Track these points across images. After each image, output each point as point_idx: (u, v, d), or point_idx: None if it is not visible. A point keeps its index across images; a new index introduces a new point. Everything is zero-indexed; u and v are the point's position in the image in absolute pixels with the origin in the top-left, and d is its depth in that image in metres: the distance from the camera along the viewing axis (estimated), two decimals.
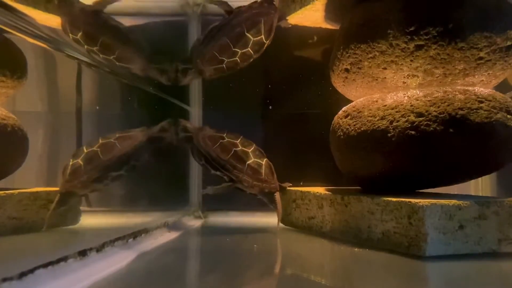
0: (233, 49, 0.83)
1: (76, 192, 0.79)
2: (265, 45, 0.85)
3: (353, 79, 0.78)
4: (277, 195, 0.84)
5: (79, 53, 0.80)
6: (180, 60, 0.85)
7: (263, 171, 0.84)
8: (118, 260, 0.59)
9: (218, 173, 0.84)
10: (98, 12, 0.81)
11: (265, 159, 0.85)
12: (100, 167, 0.78)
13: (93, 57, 0.82)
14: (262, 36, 0.84)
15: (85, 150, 0.79)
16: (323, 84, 0.92)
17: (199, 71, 0.86)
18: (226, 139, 0.85)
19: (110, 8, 0.82)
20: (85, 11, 0.80)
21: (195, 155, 0.86)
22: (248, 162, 0.83)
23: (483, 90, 0.70)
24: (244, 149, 0.85)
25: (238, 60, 0.85)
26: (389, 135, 0.69)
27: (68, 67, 1.06)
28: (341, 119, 0.79)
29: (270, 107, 1.11)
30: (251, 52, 0.85)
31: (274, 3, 0.85)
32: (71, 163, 0.79)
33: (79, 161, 0.78)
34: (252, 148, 0.86)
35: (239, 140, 0.86)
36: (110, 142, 0.80)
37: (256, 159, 0.84)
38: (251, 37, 0.83)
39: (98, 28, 0.81)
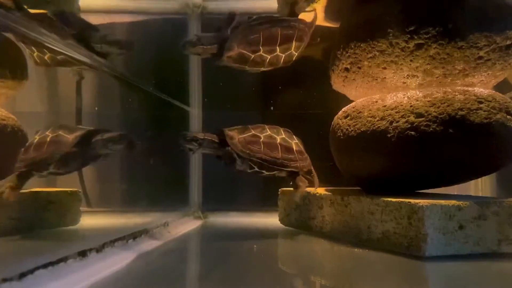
0: (276, 46, 0.78)
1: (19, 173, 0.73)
2: (289, 63, 0.82)
3: (353, 79, 0.78)
4: (312, 169, 0.82)
5: (79, 53, 0.80)
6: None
7: (303, 149, 0.82)
8: (118, 260, 0.59)
9: (275, 172, 0.78)
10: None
11: (295, 137, 0.82)
12: (26, 161, 0.72)
13: (94, 59, 0.81)
14: (296, 53, 0.81)
15: (35, 136, 0.74)
16: (323, 84, 0.92)
17: (229, 46, 0.76)
18: (262, 136, 0.78)
19: (108, 6, 0.81)
20: None
21: (242, 166, 0.76)
22: (294, 149, 0.79)
23: (483, 90, 0.70)
24: (281, 137, 0.80)
25: (267, 60, 0.79)
26: (389, 135, 0.69)
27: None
28: (341, 119, 0.79)
29: (270, 107, 1.11)
30: (281, 59, 0.80)
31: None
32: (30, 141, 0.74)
33: (27, 144, 0.73)
34: (282, 131, 0.81)
35: (268, 131, 0.79)
36: (44, 139, 0.72)
37: (294, 141, 0.81)
38: (293, 47, 0.80)
39: None
